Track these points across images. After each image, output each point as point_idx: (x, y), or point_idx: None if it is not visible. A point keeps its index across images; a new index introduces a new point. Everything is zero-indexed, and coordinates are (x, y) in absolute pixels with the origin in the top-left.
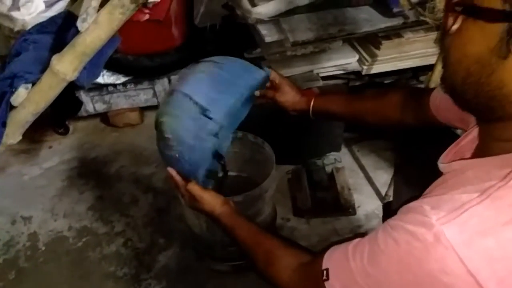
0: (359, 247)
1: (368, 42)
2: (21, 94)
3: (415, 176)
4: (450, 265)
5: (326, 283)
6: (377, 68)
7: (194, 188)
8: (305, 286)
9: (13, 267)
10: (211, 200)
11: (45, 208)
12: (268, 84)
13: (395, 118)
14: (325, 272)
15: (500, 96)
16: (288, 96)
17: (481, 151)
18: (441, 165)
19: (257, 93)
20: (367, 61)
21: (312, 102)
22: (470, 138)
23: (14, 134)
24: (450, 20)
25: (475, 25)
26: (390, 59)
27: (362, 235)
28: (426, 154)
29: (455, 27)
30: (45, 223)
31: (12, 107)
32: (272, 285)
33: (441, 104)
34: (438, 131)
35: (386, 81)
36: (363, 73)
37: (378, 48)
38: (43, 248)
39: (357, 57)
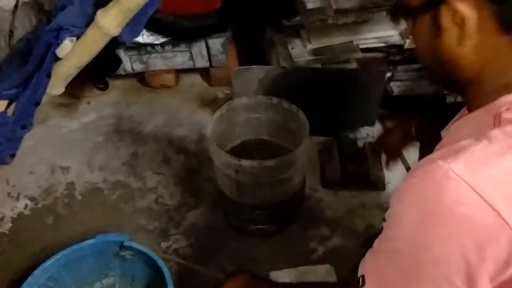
0: (382, 232)
1: None
2: (66, 46)
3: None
4: (464, 195)
5: None
6: None
7: None
8: None
9: (51, 212)
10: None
11: (82, 160)
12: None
13: None
14: (360, 280)
15: (452, 67)
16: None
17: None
18: (443, 133)
19: None
20: (410, 34)
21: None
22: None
23: (57, 85)
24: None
25: (418, 21)
26: None
27: None
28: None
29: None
30: (82, 175)
31: (57, 59)
32: None
33: None
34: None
35: None
36: (405, 47)
37: None
38: (79, 198)
39: (399, 30)
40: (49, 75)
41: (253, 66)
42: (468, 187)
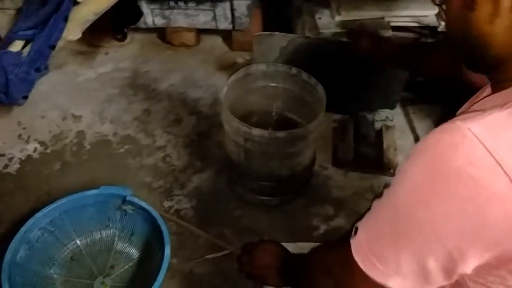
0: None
1: None
2: None
3: None
4: (478, 156)
5: (351, 241)
6: None
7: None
8: (339, 261)
9: (59, 159)
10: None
11: (94, 110)
12: None
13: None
14: (353, 231)
15: (481, 44)
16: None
17: None
18: (458, 112)
19: None
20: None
21: None
22: (485, 92)
23: (74, 30)
24: None
25: None
26: None
27: None
28: None
29: None
30: (93, 125)
31: (75, 3)
32: None
33: None
34: None
35: None
36: (439, 29)
37: None
38: (88, 147)
39: (436, 10)
40: (66, 19)
41: (276, 32)
42: (484, 149)
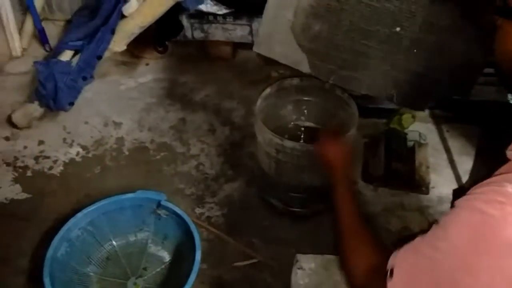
0: (429, 233)
1: None
2: (133, 5)
3: (494, 161)
4: None
5: (388, 284)
6: None
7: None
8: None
9: (99, 163)
10: (344, 160)
11: (133, 118)
12: None
13: None
14: (389, 271)
15: None
16: None
17: None
18: (509, 152)
19: None
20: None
21: None
22: None
23: (120, 42)
24: (497, 19)
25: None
26: None
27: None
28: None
29: (498, 22)
30: (132, 132)
31: (122, 17)
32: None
33: None
34: None
35: None
36: None
37: None
38: (127, 153)
39: None
40: (113, 31)
41: None
42: None
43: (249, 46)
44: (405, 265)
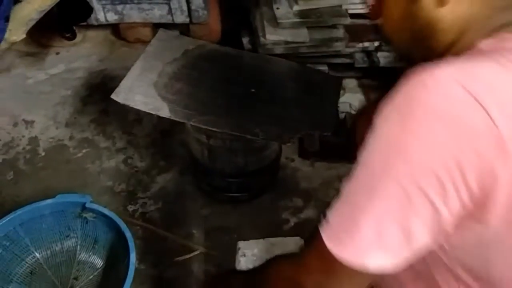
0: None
1: None
2: None
3: None
4: (454, 94)
5: (320, 229)
6: None
7: None
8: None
9: (11, 168)
10: None
11: (47, 114)
12: None
13: None
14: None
15: (430, 34)
16: None
17: None
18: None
19: None
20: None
21: None
22: None
23: (17, 30)
24: None
25: None
26: None
27: None
28: None
29: None
30: (47, 130)
31: (16, 2)
32: None
33: None
34: None
35: None
36: None
37: None
38: (43, 154)
39: None
40: (7, 19)
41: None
42: (460, 87)
43: (170, 26)
44: (336, 202)
